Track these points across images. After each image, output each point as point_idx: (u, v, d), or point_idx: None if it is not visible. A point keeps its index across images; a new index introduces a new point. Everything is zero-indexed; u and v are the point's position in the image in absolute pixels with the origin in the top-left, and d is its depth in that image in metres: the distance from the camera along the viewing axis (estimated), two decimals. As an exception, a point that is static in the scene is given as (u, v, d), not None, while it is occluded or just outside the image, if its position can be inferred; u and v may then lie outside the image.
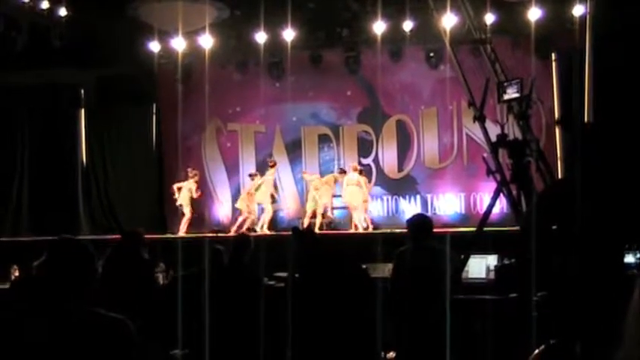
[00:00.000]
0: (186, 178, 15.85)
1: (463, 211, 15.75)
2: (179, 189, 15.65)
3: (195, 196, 15.70)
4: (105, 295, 3.03)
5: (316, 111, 17.01)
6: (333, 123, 16.90)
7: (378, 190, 16.56)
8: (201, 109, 15.96)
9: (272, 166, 15.65)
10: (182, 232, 15.32)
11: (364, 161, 16.59)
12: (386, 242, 10.10)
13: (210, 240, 8.15)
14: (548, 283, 3.89)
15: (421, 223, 6.82)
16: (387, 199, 16.41)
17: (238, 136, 17.36)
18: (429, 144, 16.24)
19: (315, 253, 6.43)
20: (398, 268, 6.71)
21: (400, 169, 16.44)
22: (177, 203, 15.58)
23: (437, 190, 16.09)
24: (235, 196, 17.12)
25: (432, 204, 16.04)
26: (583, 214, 3.70)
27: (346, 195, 15.15)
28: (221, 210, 17.25)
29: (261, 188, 15.38)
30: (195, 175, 15.88)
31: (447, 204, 15.91)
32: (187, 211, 15.61)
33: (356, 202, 14.97)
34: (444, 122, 16.10)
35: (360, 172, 15.34)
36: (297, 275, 6.79)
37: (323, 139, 16.96)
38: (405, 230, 7.01)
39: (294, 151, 17.04)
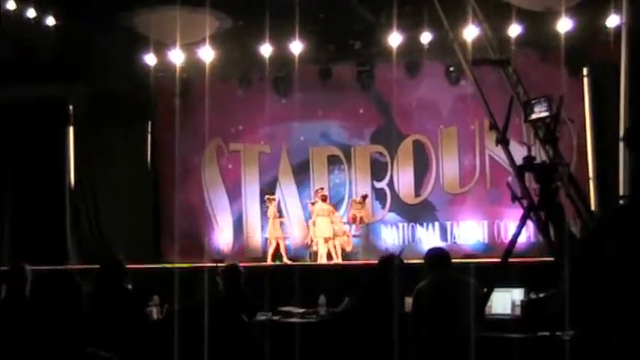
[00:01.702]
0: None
1: (486, 241, 15.68)
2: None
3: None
4: (90, 333, 2.99)
5: (326, 130, 17.04)
6: (344, 143, 16.92)
7: (392, 216, 16.54)
8: (200, 127, 15.98)
9: (323, 200, 15.73)
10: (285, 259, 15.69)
11: (378, 185, 16.62)
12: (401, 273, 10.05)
13: (210, 269, 8.14)
14: (587, 319, 3.84)
15: (439, 256, 6.91)
16: (403, 227, 16.38)
17: (241, 157, 17.39)
18: (448, 167, 16.21)
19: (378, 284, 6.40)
20: (418, 304, 6.71)
21: (417, 194, 16.41)
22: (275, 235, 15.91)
23: (457, 217, 16.04)
24: (238, 222, 17.25)
25: (451, 232, 15.99)
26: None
27: (318, 227, 15.46)
28: (221, 237, 17.22)
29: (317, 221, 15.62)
30: (273, 199, 16.22)
31: (469, 232, 15.86)
32: (274, 241, 15.95)
33: (329, 234, 15.35)
34: (465, 143, 16.08)
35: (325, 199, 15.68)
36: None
37: (333, 161, 16.98)
38: (420, 262, 7.02)
39: (301, 173, 17.06)
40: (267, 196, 16.41)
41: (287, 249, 16.03)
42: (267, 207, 16.17)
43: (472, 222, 15.90)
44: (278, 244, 15.93)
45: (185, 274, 11.21)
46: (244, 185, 17.34)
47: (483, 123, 14.93)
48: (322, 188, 16.06)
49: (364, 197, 16.20)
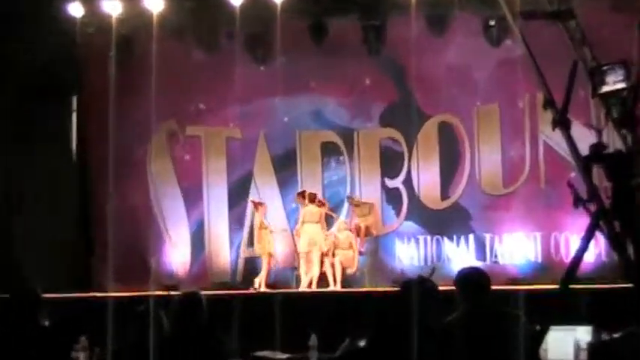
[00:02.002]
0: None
1: (539, 260, 15.69)
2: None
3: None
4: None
5: (319, 108, 17.12)
6: (345, 126, 17.02)
7: (410, 226, 16.61)
8: (146, 104, 15.88)
9: (320, 205, 15.88)
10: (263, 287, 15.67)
11: (390, 183, 16.68)
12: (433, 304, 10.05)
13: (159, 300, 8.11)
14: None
15: (475, 279, 6.85)
16: (425, 241, 16.42)
17: (202, 146, 17.46)
18: (487, 158, 16.24)
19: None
20: (445, 344, 6.67)
21: (444, 196, 16.44)
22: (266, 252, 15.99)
23: (500, 227, 16.05)
24: (197, 234, 17.28)
25: (492, 248, 15.99)
26: None
27: (307, 237, 15.48)
28: (175, 255, 17.25)
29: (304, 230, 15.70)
30: (260, 204, 16.26)
31: (515, 248, 15.84)
32: (265, 259, 15.96)
33: (319, 247, 15.40)
34: (511, 126, 16.10)
35: (320, 203, 15.79)
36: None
37: (329, 150, 17.10)
38: (451, 288, 6.98)
39: (285, 167, 17.17)
40: (252, 200, 16.50)
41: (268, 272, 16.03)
42: (255, 213, 16.20)
43: (520, 234, 15.86)
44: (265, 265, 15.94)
45: (124, 307, 11.17)
46: (206, 184, 17.39)
47: (536, 98, 14.93)
48: (304, 191, 16.11)
49: (351, 200, 16.39)
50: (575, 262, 9.20)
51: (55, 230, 16.99)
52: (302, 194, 15.96)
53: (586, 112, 12.23)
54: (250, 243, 17.02)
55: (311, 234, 15.41)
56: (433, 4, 15.52)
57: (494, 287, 7.00)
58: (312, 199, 15.62)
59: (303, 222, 15.53)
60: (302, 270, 15.47)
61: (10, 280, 15.82)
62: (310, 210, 15.55)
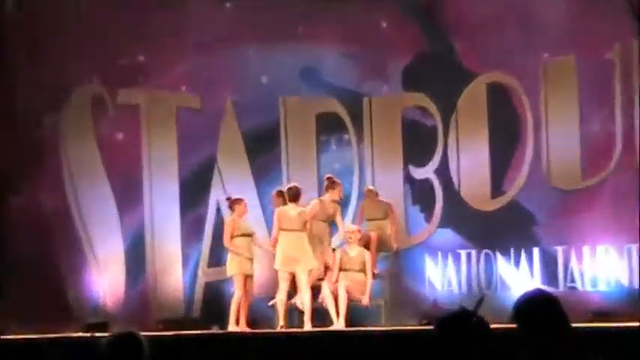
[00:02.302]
0: None
1: (635, 284, 15.32)
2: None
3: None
4: None
5: (313, 64, 17.08)
6: (351, 90, 16.92)
7: (446, 236, 16.49)
8: (58, 59, 15.86)
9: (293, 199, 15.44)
10: (233, 326, 15.33)
11: (417, 173, 16.55)
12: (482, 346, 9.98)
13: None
14: None
15: (542, 306, 6.50)
16: (469, 258, 16.23)
17: (141, 118, 17.24)
18: (559, 136, 15.98)
19: None
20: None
21: (497, 192, 16.25)
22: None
23: (578, 237, 15.78)
24: (134, 248, 17.03)
25: (566, 268, 15.73)
26: None
27: (282, 250, 15.16)
28: (103, 281, 17.00)
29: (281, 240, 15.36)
30: (239, 202, 15.85)
31: (601, 268, 15.56)
32: (240, 283, 15.56)
33: (304, 265, 15.07)
34: (594, 88, 15.78)
35: (330, 183, 15.49)
36: None
37: (328, 125, 17.10)
38: (507, 325, 6.75)
39: (263, 150, 17.15)
40: (227, 197, 16.22)
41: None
42: (229, 214, 15.92)
43: (607, 247, 15.57)
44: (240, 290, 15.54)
45: (27, 355, 10.97)
46: (148, 176, 17.15)
47: (630, 48, 14.94)
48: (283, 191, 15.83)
49: (371, 192, 16.08)
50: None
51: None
52: (281, 194, 15.73)
53: None
54: (215, 260, 16.97)
55: (289, 247, 15.07)
56: None
57: (571, 324, 6.78)
58: (294, 195, 15.24)
59: (281, 229, 15.17)
60: (278, 296, 15.14)
61: None
62: (285, 211, 15.21)
